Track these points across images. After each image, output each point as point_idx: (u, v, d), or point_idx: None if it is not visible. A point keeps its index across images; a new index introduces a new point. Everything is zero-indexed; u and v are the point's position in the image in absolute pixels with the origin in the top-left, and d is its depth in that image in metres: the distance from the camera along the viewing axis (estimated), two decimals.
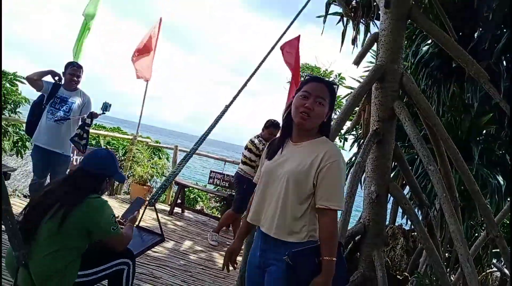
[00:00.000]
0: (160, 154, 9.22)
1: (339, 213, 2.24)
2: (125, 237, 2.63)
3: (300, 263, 1.79)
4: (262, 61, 3.52)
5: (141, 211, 3.16)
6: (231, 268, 2.22)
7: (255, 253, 2.02)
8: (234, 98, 3.22)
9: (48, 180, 4.52)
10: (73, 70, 4.43)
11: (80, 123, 4.42)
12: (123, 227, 2.81)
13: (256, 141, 5.32)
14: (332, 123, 2.22)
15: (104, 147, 8.25)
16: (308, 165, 1.85)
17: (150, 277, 3.81)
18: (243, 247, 2.61)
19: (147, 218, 5.38)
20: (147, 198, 7.10)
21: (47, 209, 2.36)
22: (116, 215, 2.87)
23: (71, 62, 4.62)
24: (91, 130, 8.60)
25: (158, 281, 3.76)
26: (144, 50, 7.48)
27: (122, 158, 8.19)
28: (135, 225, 3.01)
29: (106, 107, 4.48)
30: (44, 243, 2.33)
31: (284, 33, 3.78)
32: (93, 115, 4.42)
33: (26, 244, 2.31)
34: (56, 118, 4.25)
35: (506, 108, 3.38)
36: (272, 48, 3.68)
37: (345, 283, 1.96)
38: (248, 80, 3.38)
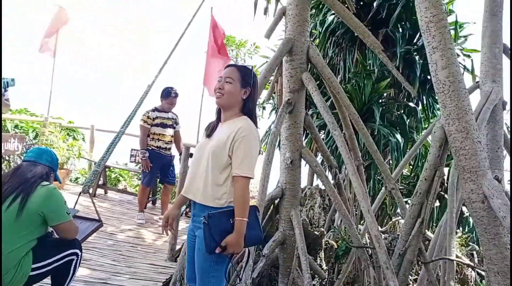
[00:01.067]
0: (75, 135, 8.82)
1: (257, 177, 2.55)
2: (76, 226, 2.73)
3: (214, 223, 2.06)
4: (177, 43, 3.58)
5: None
6: (168, 232, 2.44)
7: (191, 220, 2.33)
8: (156, 77, 3.27)
9: None
10: None
11: None
12: None
13: (147, 113, 5.39)
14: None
15: (13, 131, 7.69)
16: (225, 140, 2.16)
17: None
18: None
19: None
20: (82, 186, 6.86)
21: (3, 199, 2.41)
22: None
23: None
24: None
25: (88, 263, 3.78)
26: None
27: (34, 141, 7.73)
28: None
29: (7, 83, 4.04)
30: (2, 233, 2.36)
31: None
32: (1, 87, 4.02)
33: None
34: None
35: (398, 75, 3.79)
36: (190, 21, 3.74)
37: (259, 241, 2.24)
38: (169, 57, 3.43)
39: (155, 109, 5.42)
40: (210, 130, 2.34)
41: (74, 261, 2.71)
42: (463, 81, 2.93)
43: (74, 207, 3.18)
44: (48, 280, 2.74)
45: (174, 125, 5.56)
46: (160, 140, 5.42)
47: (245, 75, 2.28)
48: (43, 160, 2.70)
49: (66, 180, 6.94)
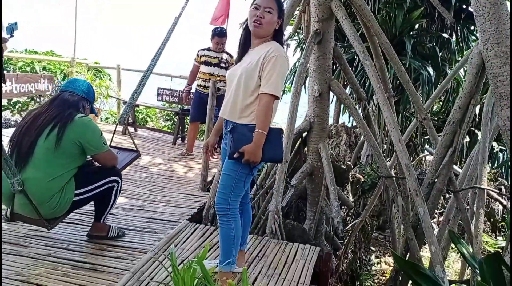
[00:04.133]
0: (102, 75, 8.93)
1: (285, 110, 2.59)
2: (115, 155, 2.86)
3: (237, 133, 2.22)
4: None
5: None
6: (210, 158, 2.71)
7: (223, 138, 2.46)
8: (183, 8, 3.22)
9: None
10: None
11: None
12: None
13: (198, 52, 5.45)
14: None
15: (42, 72, 7.85)
16: (255, 61, 2.23)
17: None
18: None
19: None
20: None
21: (40, 131, 2.51)
22: (109, 145, 3.04)
23: None
24: (23, 56, 8.10)
25: (126, 192, 3.99)
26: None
27: (62, 82, 7.88)
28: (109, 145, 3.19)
29: (11, 29, 4.08)
30: (42, 164, 2.50)
31: None
32: (1, 41, 4.09)
33: (22, 170, 2.47)
34: None
35: (434, 0, 3.61)
36: None
37: (279, 160, 2.31)
38: None
39: (206, 49, 5.44)
40: (239, 57, 2.42)
41: (115, 188, 2.85)
42: (505, 3, 2.77)
43: (112, 139, 3.28)
44: (91, 206, 2.92)
45: (221, 65, 5.39)
46: (200, 78, 5.44)
47: (281, 5, 2.32)
48: (79, 91, 2.74)
49: (96, 119, 7.13)
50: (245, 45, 2.42)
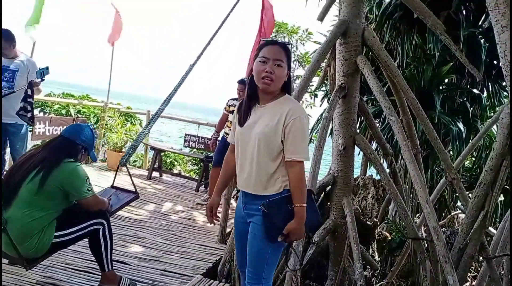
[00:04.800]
0: (133, 120, 9.18)
1: (307, 164, 2.46)
2: (101, 200, 2.83)
3: (274, 211, 1.99)
4: (224, 20, 3.56)
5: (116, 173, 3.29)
6: (215, 222, 2.46)
7: (240, 206, 2.24)
8: (198, 57, 3.28)
9: (8, 151, 4.49)
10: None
11: (23, 94, 4.33)
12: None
13: (228, 101, 5.52)
14: (299, 80, 2.40)
15: (75, 116, 8.15)
16: (275, 124, 2.01)
17: (134, 238, 3.98)
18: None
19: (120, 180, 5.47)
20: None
21: (27, 172, 2.55)
22: (111, 185, 3.04)
23: None
24: (60, 99, 8.47)
25: (143, 241, 3.93)
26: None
27: (95, 126, 8.13)
28: (110, 185, 3.24)
29: (42, 73, 4.20)
30: (24, 205, 2.51)
31: None
32: (32, 85, 4.20)
33: (5, 209, 2.50)
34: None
35: (462, 58, 3.54)
36: (234, 7, 3.71)
37: (318, 225, 2.20)
38: (212, 38, 3.43)
39: (235, 98, 5.53)
40: (245, 116, 2.15)
41: (101, 231, 2.77)
42: None
43: (114, 180, 3.27)
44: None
45: None
46: (227, 126, 5.52)
47: (290, 55, 2.13)
48: (77, 138, 2.75)
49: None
50: (250, 101, 2.17)
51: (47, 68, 4.24)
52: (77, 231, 2.70)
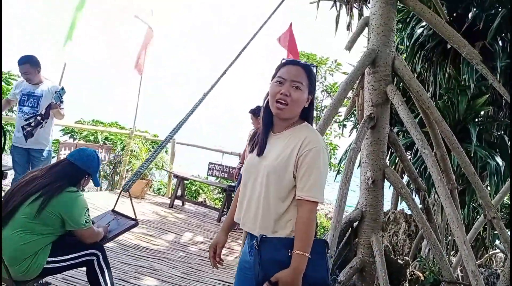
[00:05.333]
0: None
1: (333, 196, 2.19)
2: (97, 233, 2.76)
3: (267, 250, 1.65)
4: (246, 45, 3.50)
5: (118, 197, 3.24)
6: (218, 265, 2.04)
7: (246, 250, 1.90)
8: (213, 85, 3.21)
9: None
10: (20, 69, 4.20)
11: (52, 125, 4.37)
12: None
13: (249, 132, 5.47)
14: (325, 109, 2.21)
15: (102, 142, 8.24)
16: (287, 156, 1.72)
17: (150, 270, 3.82)
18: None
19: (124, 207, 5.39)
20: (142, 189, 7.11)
21: (27, 196, 2.51)
22: (111, 209, 2.96)
23: (19, 59, 4.26)
24: (88, 126, 8.62)
25: (158, 273, 3.78)
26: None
27: (121, 152, 8.19)
28: (111, 210, 3.22)
29: (59, 96, 4.24)
30: (19, 227, 2.47)
31: (270, 16, 3.76)
32: (51, 107, 4.26)
33: (2, 227, 2.45)
34: (25, 116, 4.20)
35: (500, 89, 3.33)
36: (259, 29, 3.66)
37: (324, 282, 1.66)
38: (230, 65, 3.37)
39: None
40: (260, 145, 1.84)
41: (95, 262, 2.70)
42: None
43: (115, 204, 3.20)
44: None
45: None
46: None
47: (313, 78, 1.82)
48: (81, 163, 2.71)
49: (146, 189, 7.20)
50: (267, 129, 1.87)
51: (62, 88, 4.30)
52: (70, 259, 2.64)
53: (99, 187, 7.07)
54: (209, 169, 7.25)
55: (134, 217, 3.13)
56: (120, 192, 3.10)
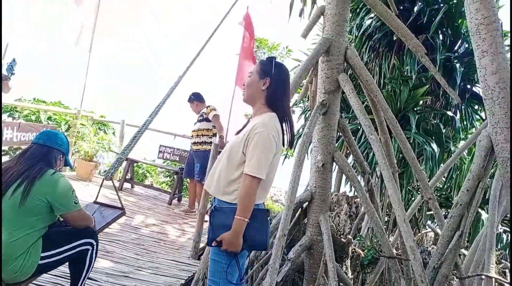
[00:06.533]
0: (106, 129, 8.95)
1: (287, 179, 2.47)
2: (87, 215, 2.61)
3: (217, 217, 2.06)
4: (214, 32, 3.52)
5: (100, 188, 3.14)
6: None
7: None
8: (187, 69, 3.22)
9: None
10: None
11: None
12: None
13: None
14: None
15: (46, 122, 7.87)
16: (242, 137, 2.13)
17: (102, 252, 3.79)
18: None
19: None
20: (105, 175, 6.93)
21: (6, 187, 2.31)
22: (94, 200, 2.89)
23: None
24: (30, 105, 8.17)
25: (111, 255, 3.77)
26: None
27: (66, 133, 7.87)
28: (93, 201, 3.05)
29: (11, 67, 4.03)
30: (5, 223, 2.27)
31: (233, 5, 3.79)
32: (2, 79, 3.99)
33: None
34: None
35: (441, 80, 3.61)
36: (222, 20, 3.68)
37: (262, 247, 2.09)
38: (200, 51, 3.38)
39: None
40: (242, 128, 2.30)
41: (90, 252, 2.59)
42: None
43: (98, 195, 3.13)
44: (66, 269, 2.71)
45: (199, 118, 5.70)
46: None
47: (264, 65, 2.23)
48: (53, 143, 2.57)
49: (94, 172, 7.01)
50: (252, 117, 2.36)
51: (14, 60, 4.07)
52: (65, 251, 2.47)
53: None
54: (159, 152, 7.16)
55: (120, 206, 3.03)
56: (103, 181, 3.03)
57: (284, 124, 2.22)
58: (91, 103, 8.99)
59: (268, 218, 2.10)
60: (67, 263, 2.62)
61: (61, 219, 2.61)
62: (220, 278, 2.05)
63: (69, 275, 2.92)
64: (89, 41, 7.40)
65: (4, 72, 4.01)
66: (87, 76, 7.59)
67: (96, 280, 3.19)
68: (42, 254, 2.37)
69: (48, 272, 2.67)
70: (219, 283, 2.06)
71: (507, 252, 6.66)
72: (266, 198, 2.23)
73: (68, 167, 7.60)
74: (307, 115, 6.97)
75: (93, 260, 2.64)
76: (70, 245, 2.50)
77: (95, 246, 2.63)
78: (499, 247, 6.56)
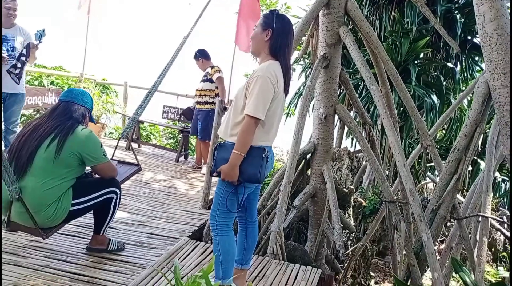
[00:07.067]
0: (109, 91, 9.01)
1: (290, 131, 2.62)
2: (113, 166, 2.86)
3: (219, 152, 2.31)
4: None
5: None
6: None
7: None
8: (192, 29, 3.28)
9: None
10: (7, 3, 4.07)
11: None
12: None
13: None
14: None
15: (49, 86, 7.93)
16: (245, 83, 2.31)
17: None
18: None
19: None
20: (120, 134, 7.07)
21: (40, 141, 2.53)
22: (111, 157, 3.08)
23: None
24: (32, 69, 8.20)
25: (126, 207, 3.98)
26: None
27: None
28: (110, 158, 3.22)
29: (40, 35, 4.20)
30: (39, 174, 2.50)
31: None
32: (30, 46, 4.19)
33: (20, 178, 2.49)
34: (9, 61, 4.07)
35: (441, 30, 3.67)
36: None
37: (254, 179, 2.26)
38: (203, 11, 3.43)
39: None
40: None
41: (114, 200, 2.84)
42: None
43: (114, 153, 3.31)
44: (87, 219, 2.92)
45: (203, 78, 5.75)
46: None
47: (266, 17, 2.35)
48: (78, 100, 2.75)
49: (101, 134, 7.16)
50: None
51: (43, 30, 4.20)
52: (93, 199, 2.73)
53: None
54: (164, 112, 7.27)
55: (136, 162, 3.25)
56: (119, 140, 3.21)
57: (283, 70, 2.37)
58: (92, 67, 9.00)
59: (264, 155, 2.26)
60: (90, 212, 2.87)
61: (89, 171, 2.87)
62: (218, 208, 2.31)
63: (89, 225, 3.16)
64: (87, 4, 7.34)
65: (32, 39, 4.14)
66: (87, 40, 7.58)
67: (115, 228, 3.41)
68: (73, 201, 2.63)
69: (74, 220, 2.88)
70: (217, 212, 2.32)
71: (505, 200, 6.91)
72: (271, 142, 2.36)
73: None
74: (307, 73, 7.02)
75: (117, 207, 2.89)
76: (98, 193, 2.75)
77: (119, 195, 2.87)
78: (497, 195, 6.80)
